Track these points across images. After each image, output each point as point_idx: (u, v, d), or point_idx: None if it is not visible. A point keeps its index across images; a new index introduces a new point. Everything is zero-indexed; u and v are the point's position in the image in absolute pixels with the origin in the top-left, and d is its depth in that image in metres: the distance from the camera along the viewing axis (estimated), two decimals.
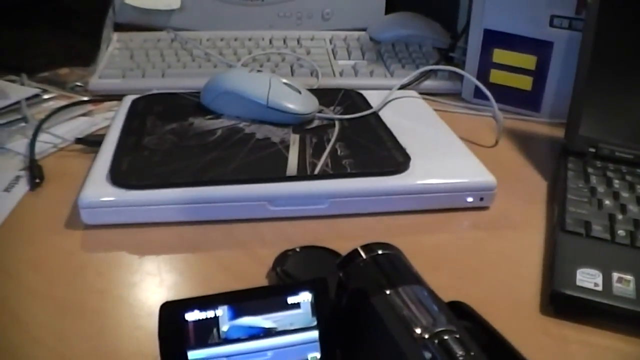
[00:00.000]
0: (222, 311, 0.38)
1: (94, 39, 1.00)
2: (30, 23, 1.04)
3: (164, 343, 0.37)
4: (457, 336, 0.35)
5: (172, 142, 0.67)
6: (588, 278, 0.51)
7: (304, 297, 0.39)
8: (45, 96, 0.86)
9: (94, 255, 0.56)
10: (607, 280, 0.51)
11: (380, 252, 0.43)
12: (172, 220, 0.60)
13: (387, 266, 0.42)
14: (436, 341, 0.35)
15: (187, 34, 1.04)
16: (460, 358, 0.33)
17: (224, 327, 0.38)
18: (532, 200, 0.67)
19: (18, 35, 1.01)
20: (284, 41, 1.06)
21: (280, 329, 0.38)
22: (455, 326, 0.36)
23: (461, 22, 1.05)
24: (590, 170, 0.68)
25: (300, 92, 0.74)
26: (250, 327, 0.38)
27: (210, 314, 0.37)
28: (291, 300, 0.39)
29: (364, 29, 1.11)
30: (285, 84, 0.74)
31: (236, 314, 0.38)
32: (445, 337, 0.35)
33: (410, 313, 0.37)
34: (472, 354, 0.34)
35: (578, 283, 0.51)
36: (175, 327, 0.37)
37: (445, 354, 0.34)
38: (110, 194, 0.59)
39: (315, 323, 0.39)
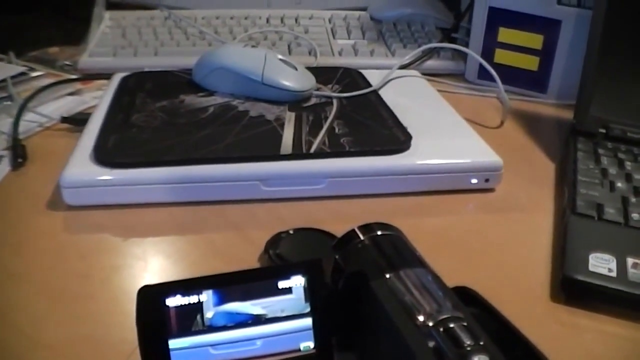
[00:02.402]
0: (206, 296, 0.34)
1: (85, 18, 0.97)
2: (22, 4, 1.01)
3: (143, 330, 0.34)
4: (465, 324, 0.32)
5: (161, 119, 0.64)
6: (601, 263, 0.48)
7: (297, 281, 0.36)
8: (33, 74, 0.83)
9: (77, 237, 0.53)
10: (621, 266, 0.48)
11: (380, 232, 0.40)
12: (160, 200, 0.57)
13: (388, 248, 0.39)
14: (441, 329, 0.31)
15: (182, 13, 1.01)
16: (468, 348, 0.30)
17: (209, 314, 0.34)
18: (540, 182, 0.64)
19: (8, 18, 0.99)
20: (282, 20, 1.03)
21: (270, 315, 0.35)
22: (462, 313, 0.33)
23: (465, 1, 1.02)
24: (601, 151, 0.65)
25: (296, 69, 0.71)
26: (238, 314, 0.35)
27: (193, 299, 0.34)
28: (282, 284, 0.36)
29: (364, 9, 1.08)
30: (281, 60, 0.71)
31: (222, 299, 0.35)
32: (452, 325, 0.32)
33: (413, 298, 0.34)
34: (481, 343, 0.31)
35: (591, 268, 0.47)
36: (155, 313, 0.34)
37: (451, 343, 0.31)
38: (94, 173, 0.56)
39: (308, 309, 0.36)
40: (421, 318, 0.32)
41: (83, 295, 0.46)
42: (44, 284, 0.47)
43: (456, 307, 0.34)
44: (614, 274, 0.47)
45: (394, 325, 0.32)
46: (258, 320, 0.35)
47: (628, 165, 0.62)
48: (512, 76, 0.85)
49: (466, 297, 0.37)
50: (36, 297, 0.46)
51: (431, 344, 0.31)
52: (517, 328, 0.36)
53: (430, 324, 0.32)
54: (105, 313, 0.45)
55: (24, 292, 0.46)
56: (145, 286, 0.34)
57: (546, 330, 0.44)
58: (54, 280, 0.48)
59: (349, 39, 0.98)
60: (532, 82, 0.86)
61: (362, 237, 0.40)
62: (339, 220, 0.56)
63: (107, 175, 0.55)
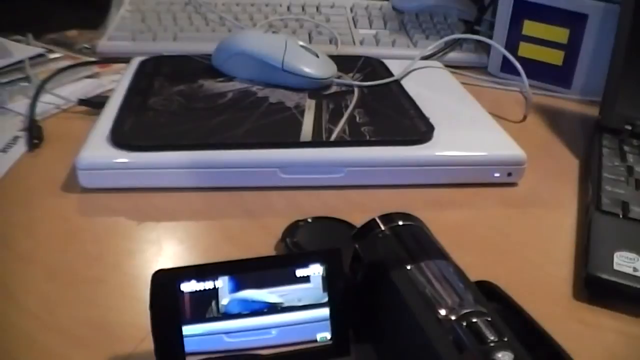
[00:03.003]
0: (222, 282, 0.34)
1: (104, 2, 0.97)
2: None
3: (156, 316, 0.33)
4: (488, 319, 0.31)
5: (179, 103, 0.63)
6: (626, 262, 0.47)
7: (315, 270, 0.35)
8: (51, 56, 0.83)
9: (91, 220, 0.52)
10: None
11: (401, 223, 0.39)
12: (176, 185, 0.56)
13: (409, 239, 0.38)
14: (464, 323, 0.30)
15: None
16: (492, 343, 0.29)
17: (224, 301, 0.34)
18: (563, 178, 0.62)
19: (28, 1, 0.98)
20: (303, 8, 1.01)
21: (286, 304, 0.35)
22: (486, 308, 0.32)
23: None
24: (626, 148, 0.64)
25: (317, 56, 0.69)
26: (253, 302, 0.34)
27: (208, 285, 0.33)
28: (300, 272, 0.35)
29: None
30: (302, 46, 0.70)
31: (238, 286, 0.34)
32: (475, 320, 0.31)
33: (434, 291, 0.33)
34: (505, 339, 0.29)
35: (615, 267, 0.46)
36: (169, 298, 0.33)
37: (474, 338, 0.29)
38: (111, 156, 0.55)
39: (326, 299, 0.35)
40: (443, 312, 0.31)
41: (95, 278, 0.45)
42: (57, 267, 0.46)
43: (479, 301, 0.33)
44: (639, 273, 0.46)
45: (414, 318, 0.31)
46: (274, 308, 0.34)
47: None
48: (536, 70, 0.84)
49: (488, 291, 0.36)
50: (48, 279, 0.45)
51: (453, 338, 0.30)
52: (541, 325, 0.35)
53: (453, 317, 0.31)
54: (118, 297, 0.44)
55: (36, 275, 0.45)
56: (160, 270, 0.33)
57: (568, 328, 0.43)
58: (66, 263, 0.47)
59: (371, 28, 0.97)
60: (557, 76, 0.84)
61: (382, 227, 0.39)
62: (357, 210, 0.55)
63: (123, 158, 0.55)
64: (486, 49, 0.90)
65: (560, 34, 0.82)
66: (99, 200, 0.55)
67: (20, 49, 0.81)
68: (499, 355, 0.28)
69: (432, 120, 0.62)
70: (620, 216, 0.53)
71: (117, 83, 0.71)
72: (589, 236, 0.50)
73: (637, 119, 0.67)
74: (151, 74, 0.71)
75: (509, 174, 0.59)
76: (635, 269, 0.46)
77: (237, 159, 0.56)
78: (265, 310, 0.34)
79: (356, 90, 0.69)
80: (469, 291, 0.33)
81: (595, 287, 0.46)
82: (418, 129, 0.60)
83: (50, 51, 0.84)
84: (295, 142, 0.57)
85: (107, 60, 0.84)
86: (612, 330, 0.44)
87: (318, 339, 0.35)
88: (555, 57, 0.84)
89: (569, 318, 0.44)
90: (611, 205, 0.53)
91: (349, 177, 0.57)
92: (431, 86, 0.74)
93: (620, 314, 0.45)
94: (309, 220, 0.50)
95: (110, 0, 0.98)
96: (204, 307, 0.33)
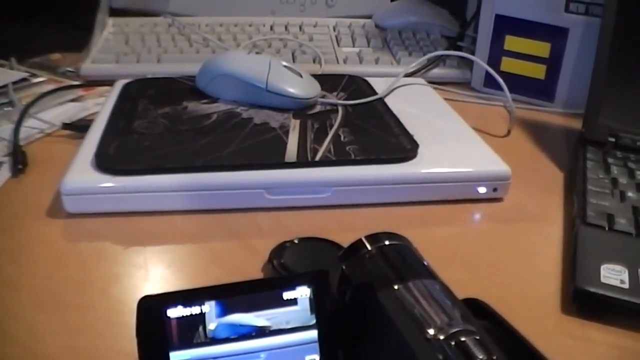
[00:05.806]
0: (209, 307, 0.33)
1: (88, 25, 0.97)
2: (24, 11, 1.01)
3: (143, 342, 0.33)
4: (477, 337, 0.31)
5: (164, 126, 0.63)
6: (613, 274, 0.47)
7: (302, 292, 0.35)
8: (34, 80, 0.83)
9: (76, 245, 0.52)
10: (633, 277, 0.47)
11: (387, 242, 0.39)
12: (162, 208, 0.56)
13: (396, 258, 0.38)
14: (453, 343, 0.30)
15: (185, 19, 1.01)
16: None
17: (211, 325, 0.33)
18: (549, 192, 0.63)
19: (11, 24, 0.98)
20: (286, 27, 1.02)
21: (274, 327, 0.34)
22: (474, 326, 0.32)
23: (470, 9, 1.01)
24: (610, 160, 0.64)
25: (301, 76, 0.70)
26: (241, 326, 0.34)
27: (195, 309, 0.33)
28: (287, 295, 0.35)
29: (369, 17, 1.07)
30: (285, 66, 0.70)
31: (225, 310, 0.34)
32: (463, 339, 0.30)
33: (423, 311, 0.33)
34: (495, 357, 0.29)
35: (603, 280, 0.46)
36: (155, 324, 0.33)
37: (463, 357, 0.29)
38: (95, 180, 0.54)
39: (314, 321, 0.35)
40: (431, 331, 0.31)
41: (82, 304, 0.45)
42: (42, 293, 0.46)
43: (467, 319, 0.32)
44: (626, 286, 0.46)
45: (403, 338, 0.31)
46: (262, 332, 0.34)
47: (638, 174, 0.61)
48: (519, 84, 0.84)
49: (477, 309, 0.36)
50: (34, 306, 0.45)
51: (441, 358, 0.30)
52: (531, 342, 0.34)
53: (441, 337, 0.31)
54: (105, 323, 0.43)
55: (21, 301, 0.45)
56: (146, 296, 0.32)
57: (557, 343, 0.43)
58: (52, 289, 0.47)
59: (354, 46, 0.97)
60: (539, 90, 0.85)
61: (369, 247, 0.39)
62: (344, 229, 0.55)
63: (108, 182, 0.54)
64: (469, 64, 0.90)
65: (541, 48, 0.83)
66: (84, 225, 0.54)
67: (3, 74, 0.82)
68: None
69: (416, 138, 0.62)
70: (606, 228, 0.53)
71: (101, 106, 0.71)
72: (575, 249, 0.50)
73: (620, 130, 0.68)
74: (135, 97, 0.71)
75: (495, 189, 0.59)
76: (622, 281, 0.46)
77: (223, 181, 0.55)
78: (253, 334, 0.34)
79: (340, 109, 0.69)
80: (457, 309, 0.33)
81: (583, 301, 0.46)
82: (403, 146, 0.60)
83: (34, 75, 0.84)
84: (281, 163, 0.57)
85: (91, 83, 0.84)
86: (602, 343, 0.44)
87: None
88: (537, 71, 0.84)
89: (558, 333, 0.44)
90: (597, 218, 0.54)
91: (335, 197, 0.57)
92: (415, 103, 0.74)
93: (609, 326, 0.45)
94: (296, 241, 0.50)
95: (94, 22, 0.97)
96: (191, 332, 0.33)
